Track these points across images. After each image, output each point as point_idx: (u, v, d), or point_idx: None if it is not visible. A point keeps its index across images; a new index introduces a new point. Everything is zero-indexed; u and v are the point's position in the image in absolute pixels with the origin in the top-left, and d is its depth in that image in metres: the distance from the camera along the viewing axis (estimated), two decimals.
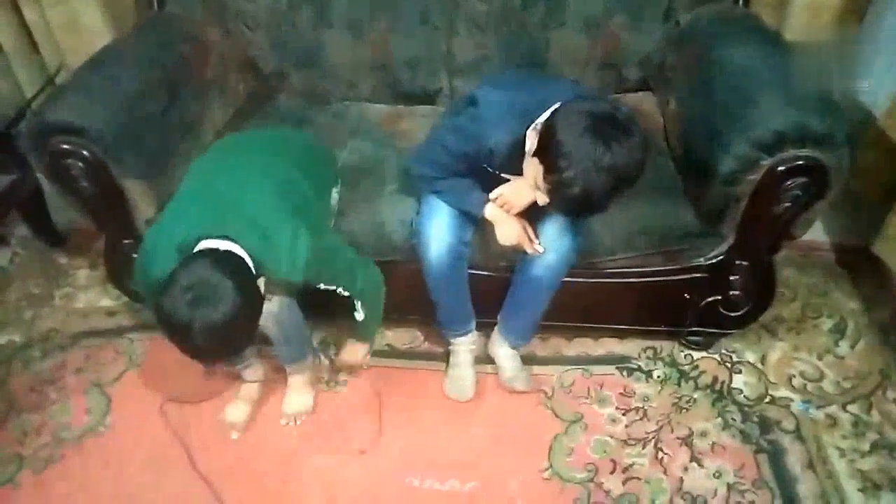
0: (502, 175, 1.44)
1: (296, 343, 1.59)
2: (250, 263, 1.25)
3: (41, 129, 1.48)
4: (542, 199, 1.30)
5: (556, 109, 1.26)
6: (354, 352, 1.65)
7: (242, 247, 1.25)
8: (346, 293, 1.45)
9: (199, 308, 1.14)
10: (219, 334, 1.17)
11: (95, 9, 1.96)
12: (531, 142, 1.31)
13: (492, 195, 1.44)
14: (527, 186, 1.35)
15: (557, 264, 1.47)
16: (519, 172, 1.37)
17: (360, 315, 1.51)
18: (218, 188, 1.37)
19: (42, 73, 2.06)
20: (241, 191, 1.35)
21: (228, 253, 1.24)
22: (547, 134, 1.23)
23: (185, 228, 1.27)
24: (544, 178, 1.24)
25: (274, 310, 1.45)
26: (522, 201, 1.40)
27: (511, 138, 1.35)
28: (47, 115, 1.48)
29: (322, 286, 1.41)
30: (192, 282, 1.16)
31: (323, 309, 1.57)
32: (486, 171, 1.45)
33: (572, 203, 1.23)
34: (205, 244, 1.24)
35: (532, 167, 1.28)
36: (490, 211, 1.45)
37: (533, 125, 1.32)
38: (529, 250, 1.45)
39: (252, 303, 1.23)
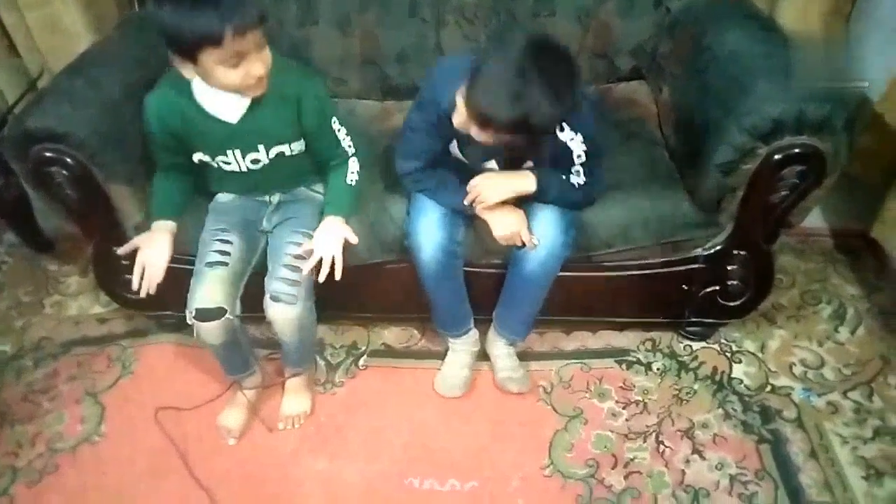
0: (486, 166, 1.42)
1: (307, 347, 1.58)
2: None
3: (22, 136, 1.44)
4: (476, 133, 1.25)
5: None
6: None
7: None
8: (349, 143, 1.46)
9: None
10: None
11: (76, 10, 1.92)
12: None
13: (469, 185, 1.39)
14: (503, 181, 1.33)
15: (550, 260, 1.44)
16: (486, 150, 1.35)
17: (352, 176, 1.48)
18: None
19: (23, 77, 2.02)
20: None
21: None
22: (476, 64, 1.21)
23: None
24: (465, 104, 1.21)
25: (296, 313, 1.43)
26: (498, 194, 1.37)
27: None
28: (28, 122, 1.44)
29: (335, 123, 1.44)
30: None
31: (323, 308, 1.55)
32: (466, 164, 1.43)
33: (477, 120, 1.19)
34: None
35: (460, 100, 1.24)
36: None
37: None
38: (528, 244, 1.42)
39: None
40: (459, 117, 1.27)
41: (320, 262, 1.40)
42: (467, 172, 1.44)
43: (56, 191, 1.50)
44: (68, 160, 1.44)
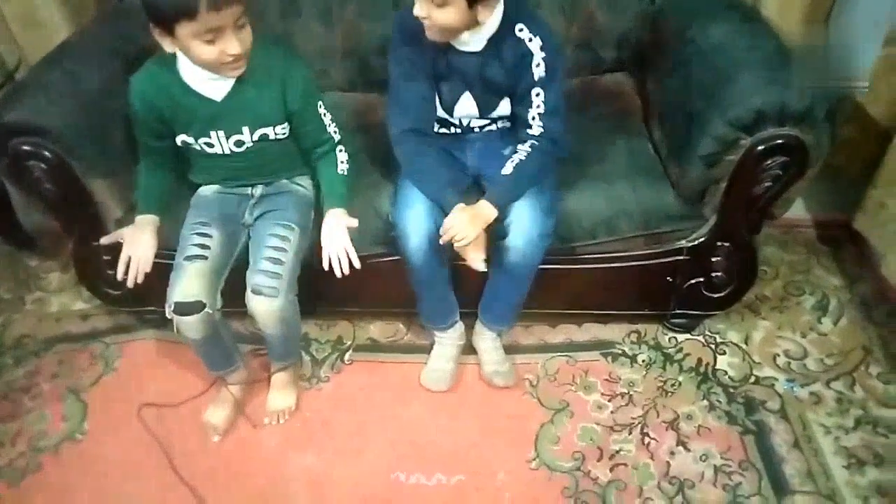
0: (462, 106, 1.46)
1: (292, 340, 1.57)
2: None
3: None
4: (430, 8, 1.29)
5: None
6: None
7: None
8: (335, 130, 1.48)
9: None
10: None
11: (53, 2, 1.89)
12: None
13: (442, 228, 1.39)
14: (471, 217, 1.36)
15: (530, 249, 1.42)
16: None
17: (343, 166, 1.49)
18: None
19: (0, 70, 1.99)
20: None
21: None
22: None
23: None
24: None
25: (278, 305, 1.42)
26: (472, 230, 1.36)
27: None
28: (5, 115, 1.42)
29: (320, 107, 1.45)
30: None
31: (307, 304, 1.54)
32: (452, 125, 1.47)
33: None
34: None
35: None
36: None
37: None
38: (480, 266, 1.42)
39: None
40: (417, 4, 1.29)
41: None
42: (454, 155, 1.47)
43: (34, 185, 1.48)
44: (46, 154, 1.42)
